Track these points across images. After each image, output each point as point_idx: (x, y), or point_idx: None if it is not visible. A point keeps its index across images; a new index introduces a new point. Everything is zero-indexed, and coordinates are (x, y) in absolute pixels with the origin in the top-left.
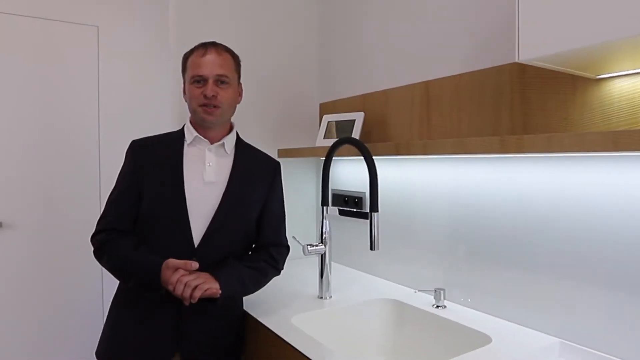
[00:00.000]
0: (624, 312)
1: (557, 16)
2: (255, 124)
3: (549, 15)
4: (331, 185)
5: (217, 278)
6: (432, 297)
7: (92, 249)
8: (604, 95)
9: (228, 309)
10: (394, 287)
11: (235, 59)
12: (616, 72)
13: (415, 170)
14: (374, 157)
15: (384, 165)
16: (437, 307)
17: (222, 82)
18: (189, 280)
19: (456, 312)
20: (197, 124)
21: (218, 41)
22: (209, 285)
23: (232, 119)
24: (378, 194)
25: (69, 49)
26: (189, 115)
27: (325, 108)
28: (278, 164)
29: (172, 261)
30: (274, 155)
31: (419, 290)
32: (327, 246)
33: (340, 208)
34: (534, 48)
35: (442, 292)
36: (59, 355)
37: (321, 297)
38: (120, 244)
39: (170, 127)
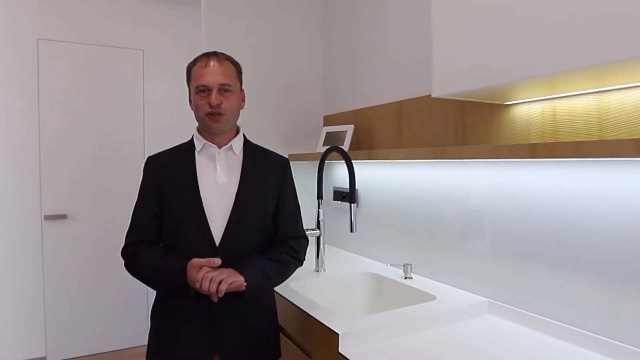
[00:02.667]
0: (537, 278)
1: (459, 66)
2: (270, 132)
3: (453, 65)
4: (332, 184)
5: (240, 271)
6: (402, 270)
7: (124, 263)
8: (511, 116)
9: (259, 307)
10: (373, 263)
11: (237, 66)
12: (516, 100)
13: (391, 171)
14: (355, 161)
15: (369, 167)
16: (406, 278)
17: (225, 91)
18: (214, 276)
19: (419, 281)
20: (204, 131)
21: (241, 63)
22: (234, 279)
23: (243, 123)
24: (355, 190)
25: (118, 70)
26: (196, 124)
27: (328, 120)
28: (287, 160)
29: (196, 260)
30: None
31: (390, 265)
32: (322, 230)
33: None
34: (443, 88)
35: (409, 266)
36: (113, 323)
37: (317, 271)
38: (148, 255)
39: None
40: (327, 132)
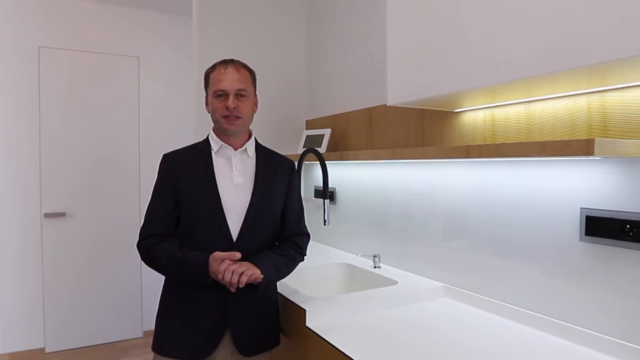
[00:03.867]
0: (484, 265)
1: (409, 79)
2: (258, 134)
3: (404, 78)
4: (314, 183)
5: (257, 265)
6: (371, 260)
7: (140, 254)
8: (460, 122)
9: (266, 298)
10: (347, 255)
11: (252, 73)
12: (463, 108)
13: (365, 172)
14: (331, 162)
15: (346, 168)
16: (375, 267)
17: (242, 96)
18: (236, 268)
19: (386, 269)
20: (220, 133)
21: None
22: (253, 271)
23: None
24: (327, 187)
25: (115, 76)
26: (212, 125)
27: (309, 124)
28: (293, 163)
29: (218, 254)
30: None
31: (361, 255)
32: None
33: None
34: (395, 98)
35: (378, 256)
36: (106, 313)
37: None
38: (166, 247)
39: (194, 136)
40: (307, 135)
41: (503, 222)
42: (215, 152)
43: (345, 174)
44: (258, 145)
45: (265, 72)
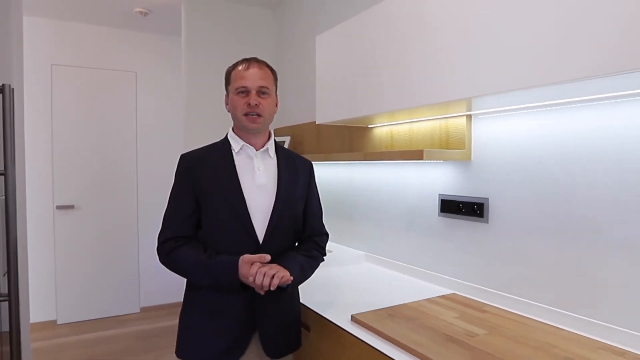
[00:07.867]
0: (387, 237)
1: (330, 106)
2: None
3: (327, 105)
4: None
5: (285, 267)
6: None
7: (160, 259)
8: (372, 134)
9: (291, 299)
10: None
11: (274, 72)
12: (374, 125)
13: (316, 170)
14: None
15: None
16: None
17: (263, 93)
18: (267, 271)
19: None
20: (241, 131)
21: (212, 83)
22: (284, 273)
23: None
24: None
25: (116, 88)
26: (232, 124)
27: (277, 131)
28: (311, 163)
29: (248, 256)
30: None
31: None
32: None
33: None
34: (321, 119)
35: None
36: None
37: None
38: (189, 250)
39: (183, 140)
40: None
41: (397, 205)
42: (236, 153)
43: None
44: (277, 146)
45: None
